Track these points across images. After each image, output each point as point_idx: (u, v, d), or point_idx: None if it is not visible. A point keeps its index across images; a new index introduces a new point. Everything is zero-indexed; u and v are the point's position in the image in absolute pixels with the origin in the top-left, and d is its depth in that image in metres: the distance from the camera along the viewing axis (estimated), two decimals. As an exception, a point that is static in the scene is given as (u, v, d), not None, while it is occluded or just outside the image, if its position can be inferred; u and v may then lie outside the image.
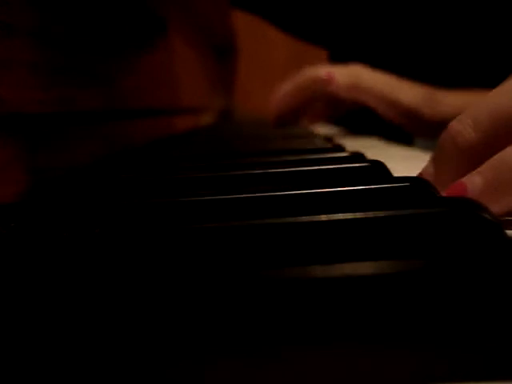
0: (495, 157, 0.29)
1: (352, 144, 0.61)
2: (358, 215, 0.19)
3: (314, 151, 0.43)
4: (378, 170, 0.32)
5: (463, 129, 0.31)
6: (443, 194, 0.29)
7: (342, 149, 0.44)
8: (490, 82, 0.36)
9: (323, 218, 0.19)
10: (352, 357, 0.14)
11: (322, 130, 0.93)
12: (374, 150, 0.60)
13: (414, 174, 0.31)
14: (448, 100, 0.80)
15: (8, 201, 0.27)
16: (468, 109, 0.32)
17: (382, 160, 0.33)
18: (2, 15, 0.29)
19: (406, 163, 0.48)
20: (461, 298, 0.14)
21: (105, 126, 0.46)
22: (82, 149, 0.40)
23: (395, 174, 0.31)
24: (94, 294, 0.15)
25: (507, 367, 0.14)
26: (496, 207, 0.28)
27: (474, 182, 0.29)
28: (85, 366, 0.14)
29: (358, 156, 0.37)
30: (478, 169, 0.29)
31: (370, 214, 0.19)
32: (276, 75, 1.88)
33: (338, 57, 1.12)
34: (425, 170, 0.34)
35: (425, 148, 0.69)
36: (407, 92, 0.82)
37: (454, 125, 0.32)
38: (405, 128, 0.85)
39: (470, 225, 0.18)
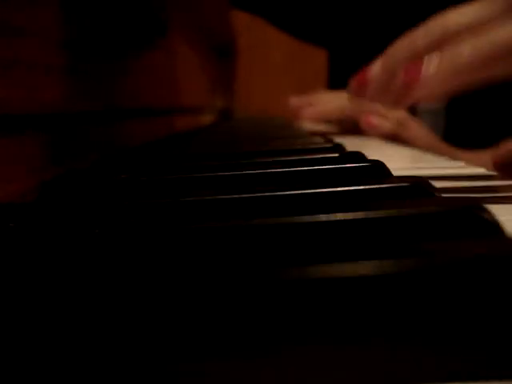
0: (454, 48, 0.34)
1: (352, 144, 0.61)
2: (358, 215, 0.19)
3: (314, 151, 0.43)
4: (378, 170, 0.32)
5: (376, 66, 0.39)
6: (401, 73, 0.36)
7: (342, 149, 0.44)
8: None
9: (323, 218, 0.19)
10: (352, 357, 0.14)
11: (320, 128, 0.93)
12: (374, 149, 0.60)
13: (413, 173, 0.31)
14: None
15: (8, 201, 0.27)
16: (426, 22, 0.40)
17: (381, 160, 0.33)
18: (1, 15, 0.29)
19: (406, 163, 0.48)
20: (460, 298, 0.14)
21: (105, 126, 0.46)
22: (83, 149, 0.40)
23: (395, 174, 0.31)
24: (95, 294, 0.15)
25: (508, 367, 0.14)
26: (439, 87, 0.34)
27: (431, 61, 0.34)
28: (85, 365, 0.14)
29: (357, 156, 0.37)
30: (438, 53, 0.35)
31: (371, 214, 0.19)
32: (276, 75, 1.88)
33: (338, 57, 1.12)
34: (371, 69, 0.41)
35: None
36: None
37: (412, 33, 0.39)
38: None
39: (470, 225, 0.18)
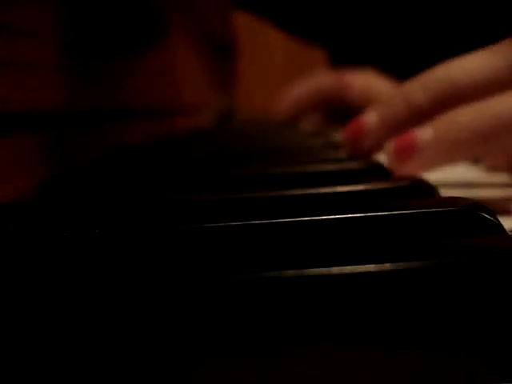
0: (448, 114, 0.31)
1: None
2: (358, 215, 0.19)
3: (313, 151, 0.43)
4: (378, 170, 0.32)
5: (415, 92, 0.34)
6: (390, 141, 0.32)
7: (342, 149, 0.44)
8: None
9: (323, 218, 0.19)
10: (352, 357, 0.14)
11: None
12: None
13: (414, 174, 0.31)
14: None
15: (8, 201, 0.27)
16: (420, 75, 0.35)
17: (381, 160, 0.33)
18: (1, 15, 0.29)
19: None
20: (461, 298, 0.14)
21: (105, 125, 0.46)
22: (83, 149, 0.39)
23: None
24: (94, 294, 0.15)
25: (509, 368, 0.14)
26: (438, 160, 0.31)
27: (424, 133, 0.30)
28: (84, 365, 0.14)
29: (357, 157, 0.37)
30: (430, 122, 0.31)
31: (370, 214, 0.19)
32: (276, 75, 1.88)
33: (339, 57, 1.12)
34: (367, 117, 0.35)
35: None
36: None
37: (408, 86, 0.35)
38: None
39: (471, 224, 0.18)
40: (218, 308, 0.14)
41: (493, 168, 0.39)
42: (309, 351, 0.14)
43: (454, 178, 0.38)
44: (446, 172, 0.38)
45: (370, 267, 0.14)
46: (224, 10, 1.31)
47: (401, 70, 0.90)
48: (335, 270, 0.15)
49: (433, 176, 0.31)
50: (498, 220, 0.18)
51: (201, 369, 0.14)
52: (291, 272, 0.15)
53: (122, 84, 0.51)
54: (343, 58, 1.08)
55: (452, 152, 0.30)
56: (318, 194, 0.24)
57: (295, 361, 0.14)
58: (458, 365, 0.14)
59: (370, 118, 0.35)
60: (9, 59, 0.29)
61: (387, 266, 0.14)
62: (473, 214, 0.18)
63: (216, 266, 0.18)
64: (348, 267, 0.15)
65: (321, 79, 0.87)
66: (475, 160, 0.42)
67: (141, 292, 0.15)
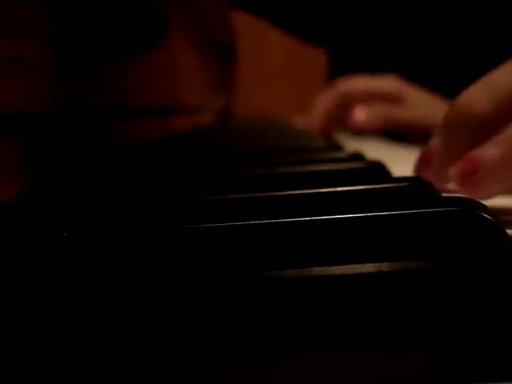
0: (511, 129, 0.28)
1: (352, 144, 0.61)
2: (358, 215, 0.19)
3: (313, 151, 0.43)
4: (378, 171, 0.32)
5: (476, 99, 0.30)
6: (454, 166, 0.29)
7: (341, 149, 0.44)
8: None
9: (323, 218, 0.19)
10: (352, 357, 0.14)
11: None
12: (374, 150, 0.60)
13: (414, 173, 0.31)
14: None
15: (8, 201, 0.27)
16: (479, 81, 0.31)
17: (381, 160, 0.33)
18: (2, 15, 0.29)
19: (406, 163, 0.48)
20: (461, 298, 0.14)
21: (105, 126, 0.46)
22: (82, 149, 0.39)
23: (395, 174, 0.31)
24: (94, 294, 0.15)
25: (508, 368, 0.14)
26: (510, 181, 0.28)
27: (489, 154, 0.27)
28: (85, 365, 0.14)
29: (357, 156, 0.37)
30: (493, 140, 0.28)
31: (371, 214, 0.19)
32: (276, 75, 1.88)
33: (338, 57, 1.12)
34: (432, 143, 0.33)
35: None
36: None
37: (466, 96, 0.31)
38: None
39: (471, 224, 0.18)
40: (218, 308, 0.14)
41: None
42: (309, 351, 0.14)
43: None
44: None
45: (370, 268, 0.14)
46: (224, 10, 1.31)
47: (400, 68, 0.90)
48: (336, 269, 0.15)
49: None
50: (498, 221, 0.18)
51: (201, 369, 0.14)
52: (291, 272, 0.15)
53: (122, 84, 0.51)
54: (342, 57, 1.08)
55: None
56: (318, 194, 0.24)
57: (295, 361, 0.14)
58: (458, 364, 0.14)
59: (435, 144, 0.33)
60: (9, 59, 0.29)
61: (386, 266, 0.15)
62: (473, 214, 0.18)
63: (216, 266, 0.18)
64: (348, 267, 0.15)
65: (346, 88, 0.83)
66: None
67: (139, 292, 0.15)
